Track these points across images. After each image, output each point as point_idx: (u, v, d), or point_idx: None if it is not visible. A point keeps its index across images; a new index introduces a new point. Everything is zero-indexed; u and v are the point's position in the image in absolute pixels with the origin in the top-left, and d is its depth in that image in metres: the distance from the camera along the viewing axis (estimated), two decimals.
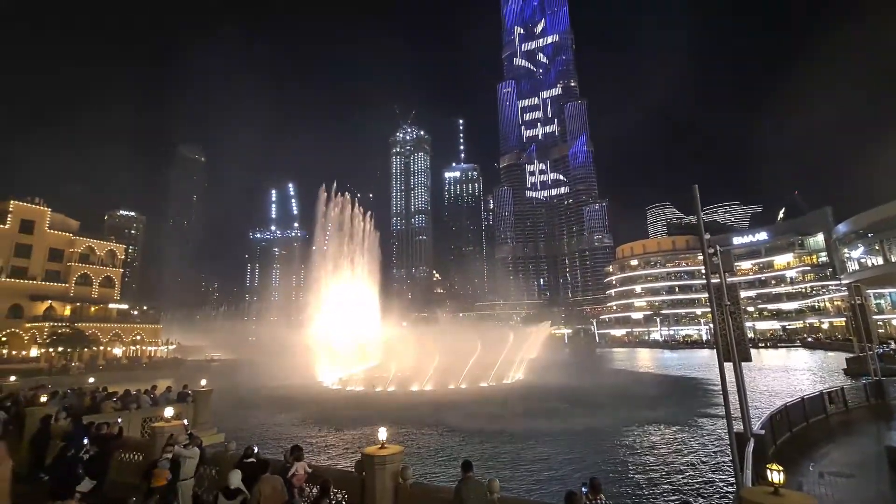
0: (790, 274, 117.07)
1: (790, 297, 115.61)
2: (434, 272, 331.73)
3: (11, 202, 72.80)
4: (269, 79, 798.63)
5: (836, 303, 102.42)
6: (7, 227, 71.44)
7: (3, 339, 69.10)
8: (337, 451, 24.17)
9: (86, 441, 11.71)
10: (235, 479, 8.44)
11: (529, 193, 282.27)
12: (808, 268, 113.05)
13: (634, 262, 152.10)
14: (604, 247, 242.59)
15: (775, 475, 6.57)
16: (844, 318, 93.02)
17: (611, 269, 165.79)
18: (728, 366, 12.88)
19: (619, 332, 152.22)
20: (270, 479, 9.09)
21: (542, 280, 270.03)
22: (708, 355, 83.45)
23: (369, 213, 75.45)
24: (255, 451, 10.35)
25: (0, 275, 69.87)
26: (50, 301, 75.06)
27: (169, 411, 14.47)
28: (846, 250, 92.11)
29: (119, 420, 15.28)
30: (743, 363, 13.58)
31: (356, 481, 9.53)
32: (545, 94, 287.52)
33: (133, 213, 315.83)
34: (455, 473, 17.44)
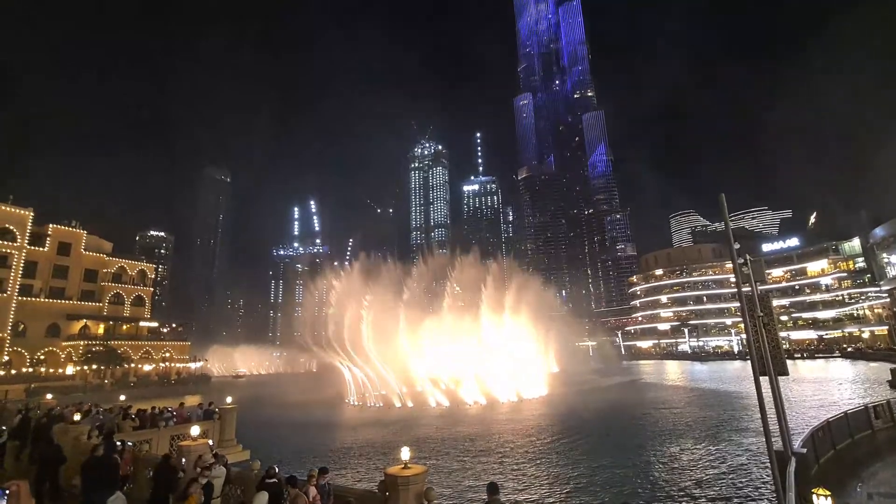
0: (825, 281, 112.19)
1: (826, 304, 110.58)
2: (455, 286, 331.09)
3: (50, 226, 76.23)
4: (289, 97, 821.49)
5: (876, 310, 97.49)
6: (46, 249, 74.69)
7: (42, 357, 71.73)
8: (359, 470, 24.02)
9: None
10: (262, 501, 8.40)
11: (549, 205, 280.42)
12: (845, 274, 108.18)
13: (659, 272, 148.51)
14: (627, 256, 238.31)
15: (822, 501, 6.17)
16: (887, 327, 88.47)
17: (635, 280, 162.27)
18: (764, 380, 12.30)
19: (645, 344, 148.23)
20: (301, 496, 9.11)
21: (564, 292, 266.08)
22: (740, 367, 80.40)
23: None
24: (277, 470, 10.31)
25: (39, 295, 72.88)
26: (85, 320, 77.75)
27: (195, 430, 14.63)
28: (885, 255, 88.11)
29: (118, 442, 14.94)
30: (779, 377, 12.96)
31: (379, 502, 9.39)
32: (562, 105, 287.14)
33: (162, 234, 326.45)
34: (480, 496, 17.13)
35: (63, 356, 73.55)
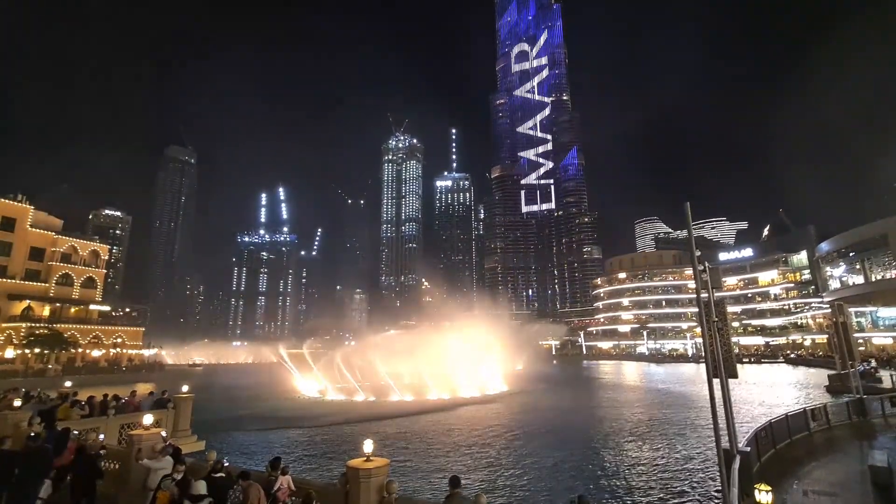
0: (774, 290, 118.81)
1: (774, 313, 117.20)
2: (423, 280, 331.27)
3: None
4: (262, 83, 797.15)
5: (818, 320, 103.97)
6: None
7: None
8: (319, 461, 23.73)
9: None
10: (200, 487, 8.60)
11: (520, 204, 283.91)
12: (792, 285, 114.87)
13: (622, 276, 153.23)
14: (592, 259, 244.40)
15: (763, 496, 6.53)
16: (826, 336, 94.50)
17: (599, 282, 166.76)
18: (715, 382, 12.89)
19: (606, 345, 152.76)
20: (255, 487, 9.02)
21: (530, 291, 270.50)
22: (693, 370, 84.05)
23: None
24: (226, 464, 10.05)
25: None
26: (28, 301, 73.19)
27: (148, 418, 14.06)
28: (828, 268, 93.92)
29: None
30: (730, 379, 13.62)
31: (339, 494, 9.31)
32: (537, 106, 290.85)
33: (119, 213, 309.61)
34: (442, 488, 17.26)
35: (2, 338, 68.98)
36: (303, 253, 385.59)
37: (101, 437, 14.22)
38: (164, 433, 14.12)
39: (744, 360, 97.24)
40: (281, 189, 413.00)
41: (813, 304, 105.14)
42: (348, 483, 9.06)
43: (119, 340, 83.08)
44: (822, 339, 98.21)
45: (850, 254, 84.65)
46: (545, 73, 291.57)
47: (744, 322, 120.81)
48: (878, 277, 78.13)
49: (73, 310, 79.33)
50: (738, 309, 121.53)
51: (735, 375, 13.68)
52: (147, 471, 10.52)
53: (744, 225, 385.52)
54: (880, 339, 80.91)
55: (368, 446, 9.24)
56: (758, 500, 6.60)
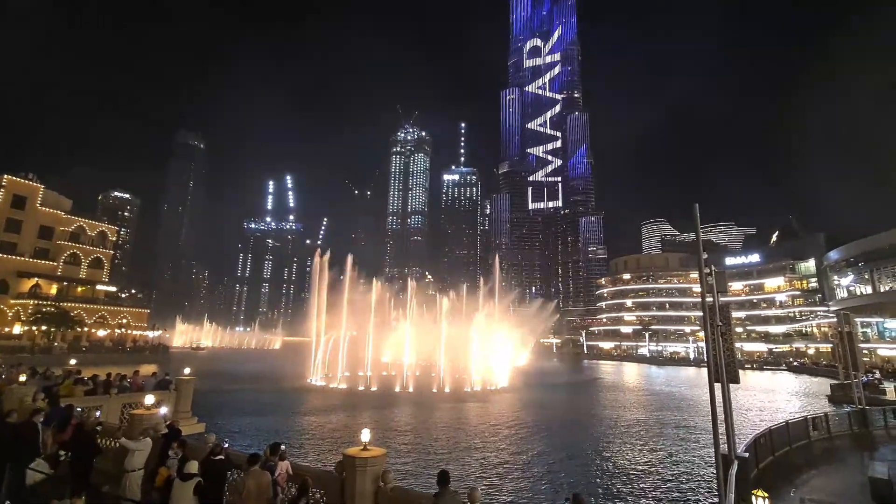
0: (780, 297, 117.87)
1: (779, 320, 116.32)
2: (427, 273, 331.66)
3: (4, 177, 71.77)
4: (273, 72, 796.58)
5: (823, 329, 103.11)
6: None
7: None
8: (317, 449, 23.91)
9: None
10: (192, 467, 8.72)
11: (527, 201, 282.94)
12: (798, 292, 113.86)
13: (627, 276, 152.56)
14: (597, 259, 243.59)
15: (760, 502, 6.50)
16: (831, 345, 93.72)
17: (603, 282, 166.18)
18: (716, 386, 12.83)
19: (607, 345, 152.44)
20: (257, 473, 8.91)
21: (534, 288, 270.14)
22: (694, 373, 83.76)
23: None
24: (225, 446, 10.11)
25: None
26: (37, 279, 73.99)
27: (149, 399, 14.21)
28: (836, 277, 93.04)
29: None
30: (731, 384, 13.54)
31: (336, 482, 9.36)
32: (548, 103, 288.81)
33: (127, 195, 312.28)
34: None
35: (10, 315, 69.89)
36: (308, 241, 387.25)
37: (98, 414, 14.37)
38: (163, 410, 14.25)
39: (746, 366, 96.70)
40: (288, 177, 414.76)
41: (818, 313, 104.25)
42: (345, 471, 9.10)
43: (124, 321, 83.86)
44: (826, 348, 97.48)
45: (860, 263, 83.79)
46: (557, 69, 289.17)
47: (747, 328, 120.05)
48: (887, 288, 77.34)
49: (79, 289, 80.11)
50: (742, 314, 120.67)
51: (736, 381, 13.59)
52: (126, 451, 10.52)
53: (752, 230, 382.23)
54: (886, 351, 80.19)
55: (366, 435, 9.28)
56: None
